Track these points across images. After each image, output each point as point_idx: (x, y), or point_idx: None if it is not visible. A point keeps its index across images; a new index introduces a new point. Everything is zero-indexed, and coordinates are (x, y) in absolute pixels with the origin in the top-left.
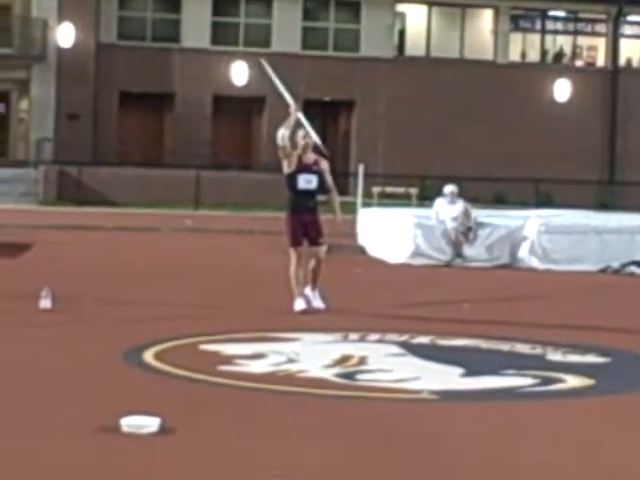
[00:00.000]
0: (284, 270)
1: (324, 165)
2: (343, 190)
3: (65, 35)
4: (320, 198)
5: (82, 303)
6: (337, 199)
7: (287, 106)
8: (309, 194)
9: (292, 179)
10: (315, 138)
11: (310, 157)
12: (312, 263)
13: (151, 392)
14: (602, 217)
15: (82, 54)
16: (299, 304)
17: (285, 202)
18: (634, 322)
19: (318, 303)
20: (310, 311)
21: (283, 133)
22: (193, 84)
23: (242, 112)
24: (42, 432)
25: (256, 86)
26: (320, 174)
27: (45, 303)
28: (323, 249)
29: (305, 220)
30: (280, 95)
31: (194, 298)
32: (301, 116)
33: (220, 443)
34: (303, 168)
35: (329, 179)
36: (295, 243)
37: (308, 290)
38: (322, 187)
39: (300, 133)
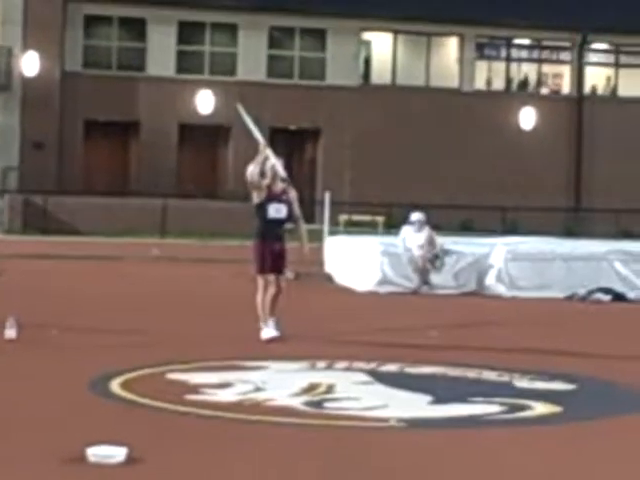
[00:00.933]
0: (251, 298)
1: (292, 195)
2: (310, 218)
3: (30, 64)
4: (286, 226)
5: (47, 332)
6: (304, 228)
7: (253, 138)
8: (278, 223)
9: (262, 208)
10: (282, 172)
11: (279, 187)
12: (272, 290)
13: (118, 421)
14: (568, 244)
15: (47, 83)
16: (267, 332)
17: (253, 230)
18: (600, 349)
19: (270, 333)
20: (277, 339)
21: (252, 170)
22: (158, 112)
23: (208, 141)
24: (6, 462)
25: (222, 115)
26: (289, 203)
27: (10, 333)
28: (284, 278)
29: (274, 248)
30: (250, 132)
31: (160, 326)
32: (269, 152)
33: (187, 473)
34: (272, 197)
35: (296, 209)
36: (262, 271)
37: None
38: (290, 216)
39: (268, 164)
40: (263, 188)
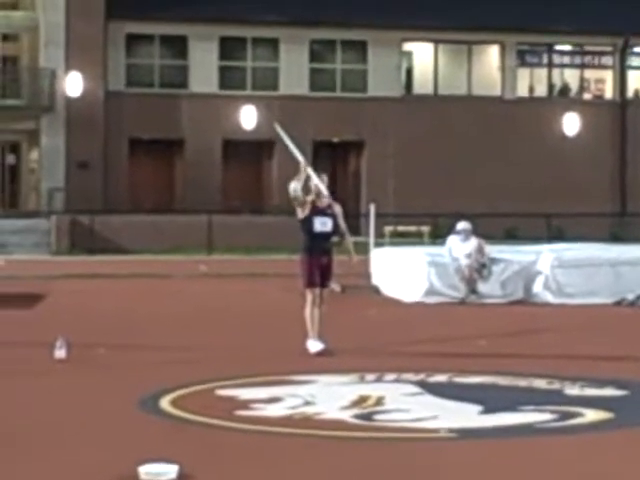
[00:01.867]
0: (298, 312)
1: (337, 209)
2: (355, 230)
3: (73, 84)
4: (333, 239)
5: (96, 352)
6: (350, 240)
7: (298, 148)
8: (325, 236)
9: (308, 222)
10: (325, 191)
11: (324, 202)
12: (316, 311)
13: (169, 439)
14: (615, 249)
15: (90, 103)
16: (315, 345)
17: (300, 245)
18: None
19: (317, 347)
20: (326, 352)
21: (295, 186)
22: (202, 129)
23: (252, 156)
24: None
25: (265, 129)
26: (334, 217)
27: (60, 353)
28: (326, 293)
29: (322, 262)
30: (291, 153)
31: (209, 343)
32: (310, 171)
33: None
34: (318, 211)
35: (342, 223)
36: (311, 284)
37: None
38: (336, 229)
39: (313, 181)
40: (307, 204)
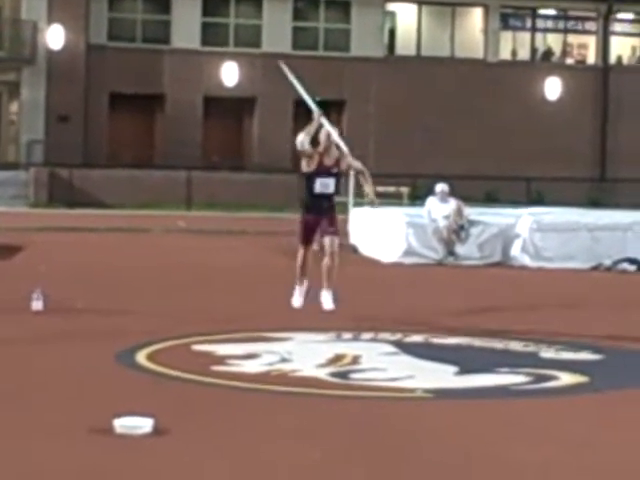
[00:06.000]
0: (276, 269)
1: (345, 164)
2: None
3: (55, 37)
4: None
5: (74, 305)
6: (369, 181)
7: (279, 106)
8: (325, 197)
9: (309, 181)
10: (338, 140)
11: (332, 157)
12: (325, 261)
13: (144, 393)
14: (594, 214)
15: (72, 56)
16: (296, 300)
17: (300, 200)
18: (626, 319)
19: (329, 305)
20: (304, 309)
21: (302, 139)
22: (184, 85)
23: (233, 113)
24: (35, 433)
25: (247, 86)
26: (338, 176)
27: (37, 305)
28: (335, 241)
29: (320, 221)
30: (302, 100)
31: (187, 298)
32: (325, 121)
33: (214, 443)
34: (322, 171)
35: (356, 165)
36: (305, 241)
37: (323, 291)
38: (338, 190)
39: (323, 132)
40: (314, 156)
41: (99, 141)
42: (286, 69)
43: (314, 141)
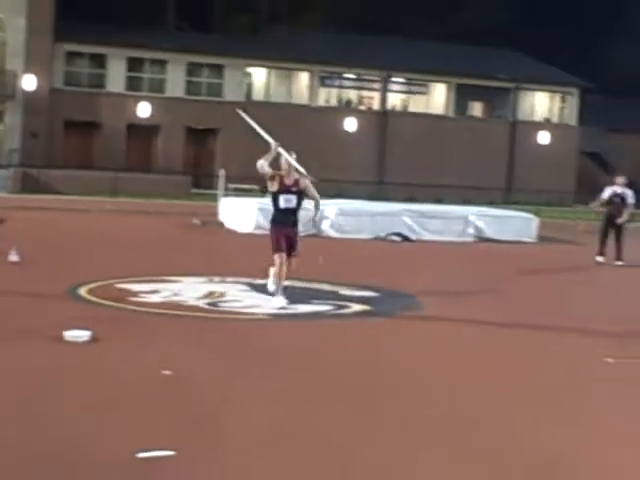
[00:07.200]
0: (177, 237)
1: (303, 184)
2: (210, 186)
3: (28, 82)
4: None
5: (41, 259)
6: (317, 208)
7: (175, 131)
8: (290, 211)
9: (275, 199)
10: (297, 165)
11: (291, 178)
12: (284, 269)
13: (85, 315)
14: (375, 205)
15: (40, 95)
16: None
17: (271, 216)
18: (393, 270)
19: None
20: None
21: (262, 164)
22: (114, 116)
23: (145, 135)
24: (9, 341)
25: (155, 118)
26: (300, 193)
27: (13, 257)
28: (294, 261)
29: (287, 233)
30: (260, 136)
31: (112, 254)
32: (282, 150)
33: (132, 347)
34: (284, 190)
35: (312, 193)
36: (278, 250)
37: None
38: (300, 204)
39: (283, 159)
40: (277, 179)
41: (57, 151)
42: (243, 114)
43: (277, 165)
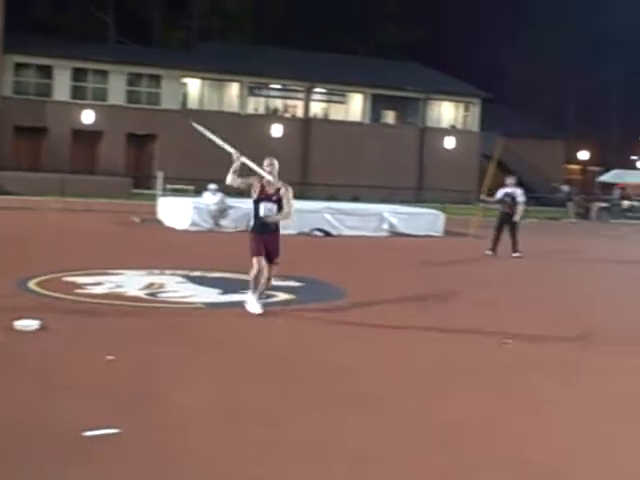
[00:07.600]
0: (119, 234)
1: (283, 192)
2: (149, 186)
3: None
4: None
5: None
6: (283, 215)
7: (116, 137)
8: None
9: (256, 206)
10: (266, 175)
11: (272, 187)
12: (266, 275)
13: (34, 306)
14: (301, 203)
15: None
16: (256, 307)
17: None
18: (315, 262)
19: (254, 308)
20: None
21: (231, 179)
22: (59, 122)
23: (89, 140)
24: None
25: (98, 124)
26: (279, 202)
27: None
28: (275, 268)
29: (268, 240)
30: (219, 147)
31: (58, 249)
32: (245, 160)
33: (77, 335)
34: (264, 198)
35: (287, 204)
36: (257, 253)
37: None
38: (280, 211)
39: (253, 169)
40: (256, 186)
41: (8, 154)
42: (197, 125)
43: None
